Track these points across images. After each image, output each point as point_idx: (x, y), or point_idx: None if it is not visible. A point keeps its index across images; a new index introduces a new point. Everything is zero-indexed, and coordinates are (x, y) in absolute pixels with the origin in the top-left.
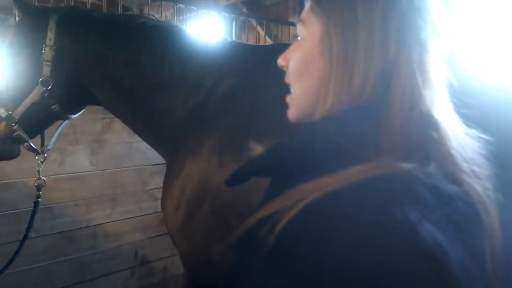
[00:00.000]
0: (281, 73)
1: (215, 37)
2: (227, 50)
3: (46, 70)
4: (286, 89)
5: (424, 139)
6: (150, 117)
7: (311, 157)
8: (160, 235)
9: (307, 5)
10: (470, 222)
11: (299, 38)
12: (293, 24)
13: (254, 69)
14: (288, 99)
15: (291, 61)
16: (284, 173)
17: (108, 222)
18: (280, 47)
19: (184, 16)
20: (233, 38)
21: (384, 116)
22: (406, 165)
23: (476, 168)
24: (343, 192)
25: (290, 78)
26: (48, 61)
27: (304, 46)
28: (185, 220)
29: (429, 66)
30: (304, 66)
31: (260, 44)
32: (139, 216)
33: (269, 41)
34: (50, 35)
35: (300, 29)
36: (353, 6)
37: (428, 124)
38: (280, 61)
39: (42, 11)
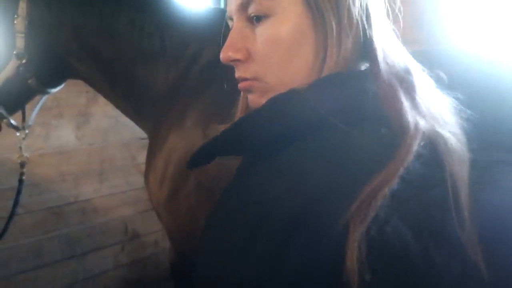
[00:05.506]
0: None
1: (199, 5)
2: (209, 18)
3: (20, 42)
4: None
5: (411, 107)
6: (131, 90)
7: (287, 130)
8: (150, 209)
9: None
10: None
11: (256, 15)
12: None
13: None
14: (260, 90)
15: (263, 47)
16: (258, 150)
17: (97, 197)
18: None
19: None
20: (221, 3)
21: (369, 83)
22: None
23: (445, 118)
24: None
25: (269, 65)
26: (21, 32)
27: (283, 23)
28: (170, 195)
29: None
30: (293, 45)
31: None
32: (128, 190)
33: None
34: (22, 4)
35: (263, 4)
36: None
37: (411, 89)
38: (231, 54)
39: None
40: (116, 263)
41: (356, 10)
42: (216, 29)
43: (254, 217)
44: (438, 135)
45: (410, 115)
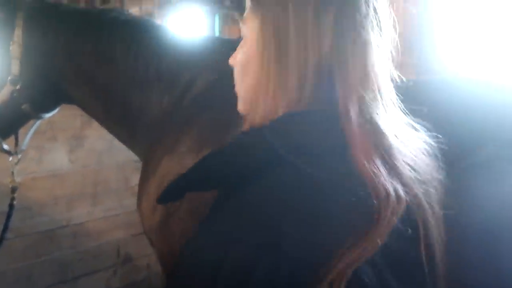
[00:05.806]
0: None
1: (196, 32)
2: (203, 45)
3: (15, 68)
4: None
5: (375, 147)
6: (125, 116)
7: (248, 166)
8: (143, 232)
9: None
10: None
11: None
12: None
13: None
14: (237, 92)
15: (236, 60)
16: (223, 185)
17: (90, 220)
18: None
19: (165, 10)
20: (216, 32)
21: (331, 122)
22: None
23: (420, 173)
24: None
25: (236, 76)
26: (16, 58)
27: (245, 45)
28: (163, 220)
29: (371, 63)
30: (245, 66)
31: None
32: (121, 213)
33: None
34: (18, 31)
35: (242, 27)
36: (285, 1)
37: (374, 131)
38: (232, 60)
39: (8, 5)
40: (109, 287)
41: (317, 56)
42: (211, 57)
43: (215, 258)
44: (416, 204)
45: (389, 184)
